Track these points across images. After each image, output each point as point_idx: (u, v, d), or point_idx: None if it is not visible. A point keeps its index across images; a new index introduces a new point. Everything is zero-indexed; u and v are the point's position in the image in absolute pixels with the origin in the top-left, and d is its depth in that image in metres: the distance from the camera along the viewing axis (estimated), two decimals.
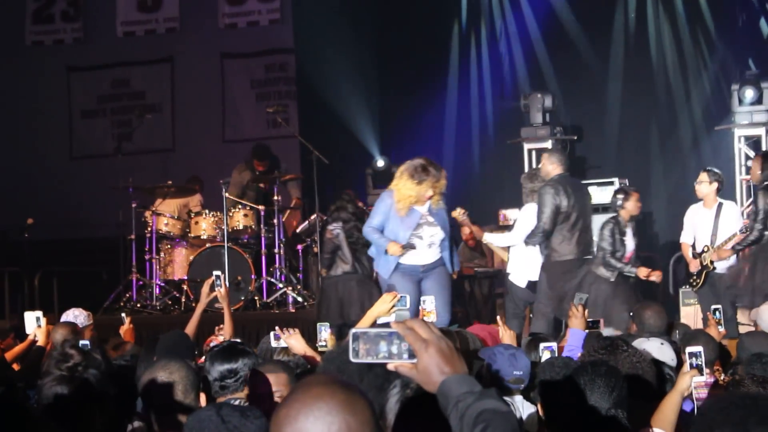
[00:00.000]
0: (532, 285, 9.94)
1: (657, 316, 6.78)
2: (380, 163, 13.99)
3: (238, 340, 6.13)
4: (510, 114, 14.56)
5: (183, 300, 11.89)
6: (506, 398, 4.21)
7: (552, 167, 9.79)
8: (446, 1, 15.59)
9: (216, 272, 7.09)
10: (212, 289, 7.04)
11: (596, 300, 9.40)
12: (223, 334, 6.82)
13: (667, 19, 14.54)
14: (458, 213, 9.96)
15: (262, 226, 12.05)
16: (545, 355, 5.48)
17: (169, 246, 12.39)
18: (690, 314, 10.56)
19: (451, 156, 14.84)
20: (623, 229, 9.70)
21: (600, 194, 11.54)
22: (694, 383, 4.65)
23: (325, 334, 6.33)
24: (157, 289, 12.20)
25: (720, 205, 9.95)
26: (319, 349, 6.04)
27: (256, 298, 11.80)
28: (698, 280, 9.93)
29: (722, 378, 5.53)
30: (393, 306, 5.86)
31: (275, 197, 12.12)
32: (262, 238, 12.07)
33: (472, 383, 2.33)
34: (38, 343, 7.13)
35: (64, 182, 15.91)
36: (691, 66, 14.39)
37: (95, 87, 16.54)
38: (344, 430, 2.08)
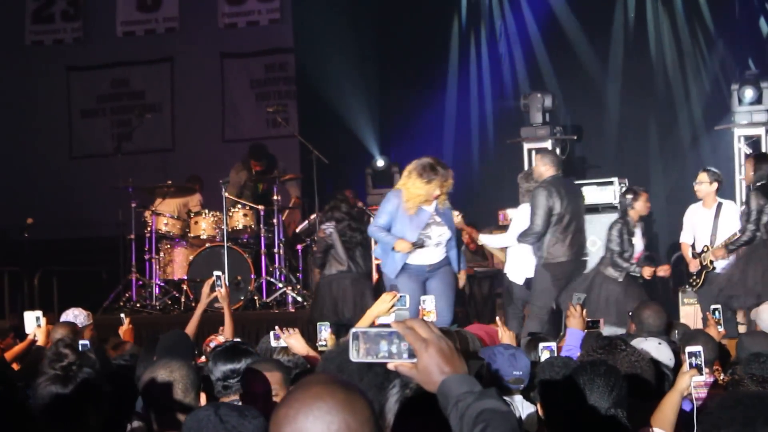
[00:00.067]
0: (529, 282, 9.95)
1: (656, 315, 6.78)
2: (380, 162, 13.98)
3: (238, 340, 6.15)
4: (510, 114, 14.55)
5: (182, 300, 11.90)
6: (506, 398, 4.21)
7: (545, 168, 9.80)
8: (446, 0, 15.59)
9: (216, 272, 7.10)
10: (212, 289, 7.05)
11: (607, 300, 9.42)
12: (224, 335, 6.83)
13: (667, 18, 14.53)
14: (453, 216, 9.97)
15: (261, 225, 12.05)
16: (544, 355, 5.48)
17: (168, 246, 12.39)
18: (689, 314, 10.56)
19: (451, 156, 14.81)
20: (632, 230, 9.71)
21: (600, 194, 11.53)
22: (693, 383, 4.66)
23: (325, 333, 6.33)
24: (157, 289, 12.21)
25: (719, 204, 9.96)
26: (319, 348, 6.04)
27: (255, 297, 11.80)
28: (698, 280, 9.94)
29: (722, 378, 5.53)
30: (392, 306, 5.86)
31: (275, 197, 12.12)
32: (262, 238, 12.07)
33: (472, 383, 2.33)
34: (38, 343, 7.14)
35: (64, 182, 15.91)
36: (690, 65, 14.39)
37: (95, 87, 16.54)
38: (344, 429, 2.08)
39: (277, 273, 12.02)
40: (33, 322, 7.28)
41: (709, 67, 14.29)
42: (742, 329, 8.30)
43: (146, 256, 12.25)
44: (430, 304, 6.81)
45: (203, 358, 6.51)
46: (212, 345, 6.70)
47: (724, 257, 9.75)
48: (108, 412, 3.97)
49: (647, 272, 9.61)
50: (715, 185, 9.94)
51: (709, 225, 9.95)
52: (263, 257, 12.03)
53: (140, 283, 12.29)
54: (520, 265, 10.05)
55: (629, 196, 9.77)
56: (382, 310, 5.84)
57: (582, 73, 14.65)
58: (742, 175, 12.16)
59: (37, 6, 16.73)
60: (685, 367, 4.75)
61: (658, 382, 4.56)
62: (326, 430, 2.07)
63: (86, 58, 16.51)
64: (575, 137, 13.33)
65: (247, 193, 12.58)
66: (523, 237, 9.76)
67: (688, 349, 4.87)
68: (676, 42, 14.47)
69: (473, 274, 12.55)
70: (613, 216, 11.26)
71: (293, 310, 11.56)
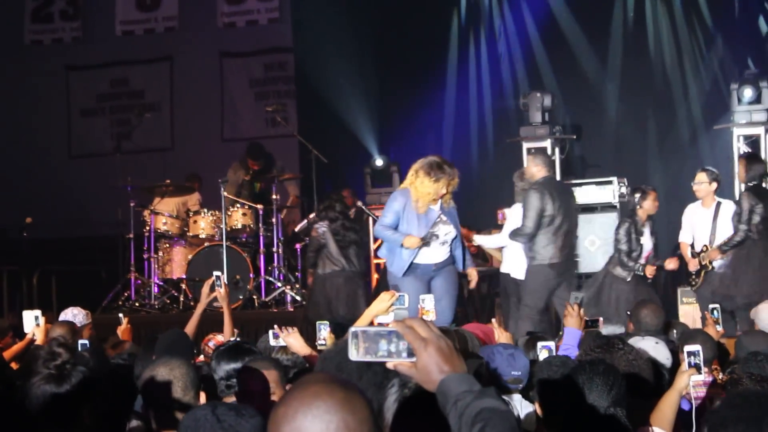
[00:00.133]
0: None
1: (653, 314, 6.79)
2: (379, 162, 13.97)
3: (239, 339, 6.15)
4: (509, 113, 14.56)
5: (181, 299, 11.89)
6: (505, 397, 4.21)
7: (537, 169, 9.80)
8: (445, 0, 15.59)
9: (216, 272, 7.10)
10: (212, 289, 7.05)
11: (617, 300, 9.44)
12: (223, 335, 6.83)
13: (666, 17, 14.54)
14: None
15: (260, 225, 12.05)
16: (543, 354, 5.48)
17: (167, 245, 12.39)
18: (688, 313, 10.56)
19: (450, 155, 14.74)
20: (640, 229, 9.71)
21: (599, 193, 11.53)
22: (692, 382, 4.66)
23: (324, 332, 6.33)
24: (156, 288, 12.21)
25: (718, 204, 9.97)
26: (319, 347, 6.04)
27: (254, 297, 11.81)
28: (697, 280, 9.94)
29: (720, 377, 5.54)
30: (391, 305, 5.86)
31: (273, 196, 12.12)
32: (261, 237, 12.07)
33: (471, 382, 2.33)
34: (37, 342, 7.13)
35: (63, 181, 15.90)
36: (689, 65, 14.40)
37: (94, 86, 16.54)
38: (342, 428, 2.08)
39: (276, 272, 12.02)
40: (32, 322, 7.28)
41: (708, 67, 14.30)
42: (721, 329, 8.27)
43: (145, 256, 12.25)
44: (429, 303, 6.80)
45: (202, 358, 6.52)
46: (211, 344, 6.70)
47: (719, 258, 9.78)
48: (104, 411, 3.96)
49: (650, 271, 9.61)
50: (714, 185, 9.96)
51: (708, 224, 9.96)
52: (262, 256, 12.04)
53: (139, 282, 12.28)
54: (520, 260, 10.04)
55: (637, 195, 9.78)
56: (380, 309, 5.84)
57: (581, 72, 14.66)
58: None
59: (36, 5, 16.72)
60: (684, 366, 4.75)
61: (656, 380, 4.56)
62: (325, 429, 2.07)
63: (85, 57, 16.51)
64: (574, 137, 13.33)
65: (245, 193, 12.59)
66: (514, 236, 9.79)
67: (687, 348, 4.88)
68: (675, 41, 14.47)
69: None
70: (612, 215, 11.30)
71: (292, 309, 11.56)
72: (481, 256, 12.73)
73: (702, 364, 4.80)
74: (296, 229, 12.70)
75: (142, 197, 12.58)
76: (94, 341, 7.44)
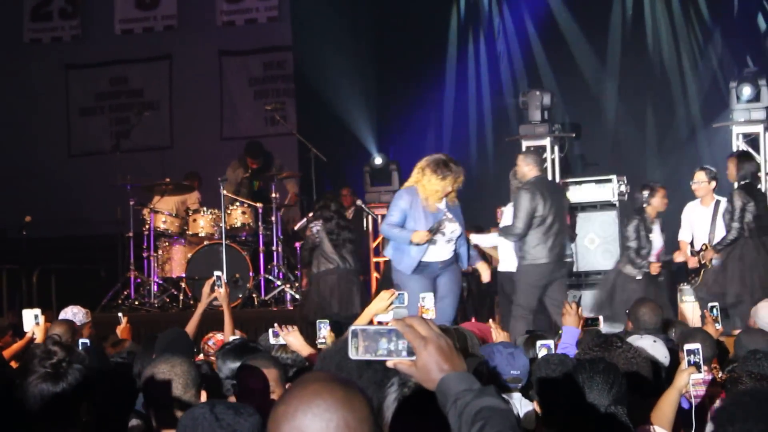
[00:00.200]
0: None
1: (652, 313, 6.80)
2: (378, 160, 13.96)
3: (238, 338, 6.15)
4: (508, 111, 14.56)
5: (181, 297, 11.90)
6: (504, 396, 4.21)
7: (528, 168, 9.80)
8: None
9: (217, 272, 7.10)
10: (213, 289, 7.05)
11: (628, 302, 9.43)
12: (223, 335, 6.83)
13: (665, 15, 14.53)
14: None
15: (260, 223, 12.05)
16: (542, 353, 5.48)
17: (167, 243, 12.39)
18: (688, 311, 10.57)
19: (449, 153, 14.76)
20: (649, 226, 9.71)
21: (598, 191, 11.53)
22: (692, 380, 4.66)
23: (324, 331, 6.33)
24: (155, 287, 12.21)
25: (717, 202, 9.99)
26: (319, 346, 6.04)
27: (254, 295, 11.81)
28: (697, 279, 9.95)
29: (720, 375, 5.54)
30: (391, 303, 5.86)
31: (273, 194, 12.12)
32: (260, 236, 12.07)
33: (471, 381, 2.33)
34: (36, 341, 7.13)
35: (63, 180, 15.90)
36: (688, 63, 14.40)
37: (93, 84, 16.54)
38: (342, 427, 2.08)
39: (276, 271, 12.03)
40: (31, 320, 7.27)
41: (707, 65, 14.30)
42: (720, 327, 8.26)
43: (144, 254, 12.26)
44: (429, 301, 6.80)
45: (201, 356, 6.52)
46: (211, 343, 6.70)
47: (714, 257, 9.81)
48: (103, 409, 3.96)
49: (654, 268, 9.61)
50: (713, 183, 9.98)
51: (707, 223, 9.97)
52: (261, 255, 12.04)
53: (138, 280, 12.29)
54: (514, 257, 10.05)
55: (645, 192, 9.78)
56: (380, 308, 5.83)
57: (580, 71, 14.65)
58: None
59: (35, 4, 16.72)
60: (684, 364, 4.75)
61: (655, 378, 4.56)
62: (325, 427, 2.07)
63: (84, 56, 16.50)
64: (573, 135, 13.33)
65: (244, 191, 12.60)
66: (503, 234, 9.79)
67: (687, 346, 4.88)
68: (674, 39, 14.47)
69: (471, 271, 12.56)
70: (612, 213, 11.31)
71: (291, 308, 11.56)
72: (481, 255, 12.72)
73: (702, 362, 4.80)
74: (296, 228, 12.70)
75: (141, 196, 12.58)
76: (94, 340, 7.44)
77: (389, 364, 2.36)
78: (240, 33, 16.00)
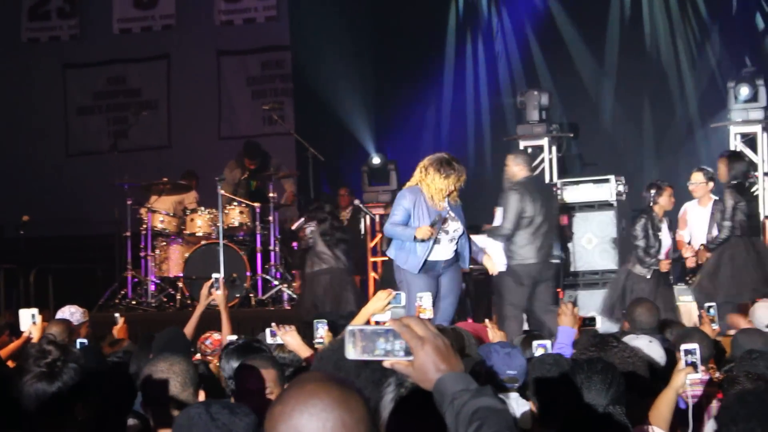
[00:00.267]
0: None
1: (648, 313, 6.80)
2: (376, 160, 13.95)
3: (234, 338, 6.15)
4: (506, 111, 14.56)
5: (178, 297, 11.90)
6: (501, 396, 4.21)
7: (518, 169, 9.80)
8: None
9: (215, 275, 7.11)
10: (211, 291, 7.06)
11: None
12: (221, 335, 6.82)
13: (662, 15, 14.53)
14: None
15: (257, 223, 12.05)
16: (539, 353, 5.48)
17: (164, 243, 12.38)
18: (686, 311, 10.57)
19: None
20: (657, 225, 9.71)
21: (596, 191, 11.53)
22: (689, 380, 4.67)
23: (322, 330, 6.32)
24: (153, 286, 12.20)
25: (715, 202, 9.99)
26: (316, 346, 6.04)
27: (251, 295, 11.81)
28: (694, 278, 9.97)
29: (716, 375, 5.54)
30: (388, 303, 5.85)
31: (270, 194, 12.12)
32: (258, 235, 12.07)
33: (468, 381, 2.33)
34: (33, 340, 7.13)
35: (60, 179, 15.90)
36: (686, 63, 14.40)
37: (91, 84, 16.53)
38: (339, 427, 2.08)
39: (273, 270, 12.03)
40: (28, 320, 7.28)
41: (705, 64, 14.29)
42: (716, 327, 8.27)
43: (142, 254, 12.25)
44: (426, 301, 6.79)
45: (198, 356, 6.52)
46: (208, 342, 6.71)
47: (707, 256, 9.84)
48: (99, 409, 3.96)
49: (664, 265, 9.61)
50: (711, 184, 10.00)
51: (705, 223, 9.99)
52: (259, 254, 12.03)
53: (136, 280, 12.28)
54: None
55: (652, 191, 9.78)
56: (377, 308, 5.83)
57: (578, 71, 14.65)
58: None
59: (33, 3, 16.71)
60: (681, 364, 4.76)
61: (652, 378, 4.57)
62: (321, 427, 2.07)
63: (82, 55, 16.49)
64: (571, 135, 13.35)
65: (242, 191, 12.59)
66: (491, 235, 9.80)
67: (684, 346, 4.87)
68: (672, 39, 14.47)
69: (468, 271, 12.56)
70: (610, 213, 11.31)
71: (289, 308, 11.56)
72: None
73: (699, 362, 4.80)
74: (293, 227, 12.70)
75: (139, 195, 12.57)
76: (91, 339, 7.45)
77: (386, 364, 2.36)
78: (238, 32, 16.00)
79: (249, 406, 3.28)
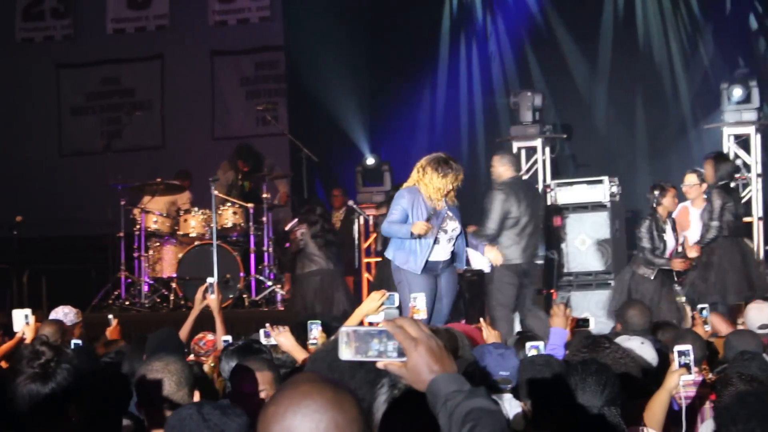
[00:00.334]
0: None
1: (640, 314, 6.82)
2: (370, 160, 13.95)
3: (229, 338, 6.15)
4: (499, 112, 14.56)
5: (171, 298, 11.89)
6: (494, 397, 4.21)
7: (504, 169, 9.81)
8: None
9: (209, 280, 7.09)
10: (205, 296, 7.05)
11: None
12: (215, 335, 6.82)
13: (656, 16, 14.54)
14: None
15: (251, 223, 12.06)
16: (532, 354, 5.48)
17: (158, 243, 12.38)
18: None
19: None
20: (662, 225, 9.72)
21: (589, 192, 11.54)
22: (682, 382, 4.67)
23: (315, 332, 6.33)
24: (146, 287, 12.20)
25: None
26: (310, 347, 6.04)
27: (244, 295, 11.82)
28: (686, 278, 9.98)
29: (709, 377, 5.55)
30: (381, 304, 5.86)
31: (264, 195, 12.12)
32: (251, 236, 12.07)
33: (461, 382, 2.33)
34: (26, 341, 7.12)
35: (54, 179, 15.87)
36: (679, 64, 14.41)
37: (85, 84, 16.51)
38: (332, 427, 2.08)
39: (266, 271, 12.03)
40: (22, 320, 7.26)
41: (698, 66, 14.30)
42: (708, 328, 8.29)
43: (135, 254, 12.25)
44: (420, 301, 6.79)
45: (192, 357, 6.51)
46: (201, 343, 6.70)
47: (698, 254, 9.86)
48: (92, 410, 3.95)
49: (677, 264, 9.61)
50: (704, 185, 10.00)
51: (698, 224, 10.00)
52: (252, 255, 12.04)
53: (129, 281, 12.28)
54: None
55: (656, 192, 9.78)
56: (371, 309, 5.83)
57: (571, 72, 14.66)
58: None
59: (27, 3, 16.69)
60: (674, 366, 4.76)
61: (645, 379, 4.58)
62: (315, 428, 2.07)
63: (76, 55, 16.47)
64: (565, 136, 13.35)
65: (235, 192, 12.61)
66: (476, 236, 9.79)
67: (678, 348, 4.88)
68: (665, 40, 14.48)
69: (462, 273, 12.56)
70: (603, 214, 11.31)
71: (282, 308, 11.56)
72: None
73: (692, 363, 4.81)
74: (287, 228, 12.70)
75: (132, 196, 12.57)
76: (84, 340, 7.44)
77: (380, 365, 2.36)
78: (232, 33, 15.99)
79: (244, 407, 3.27)
